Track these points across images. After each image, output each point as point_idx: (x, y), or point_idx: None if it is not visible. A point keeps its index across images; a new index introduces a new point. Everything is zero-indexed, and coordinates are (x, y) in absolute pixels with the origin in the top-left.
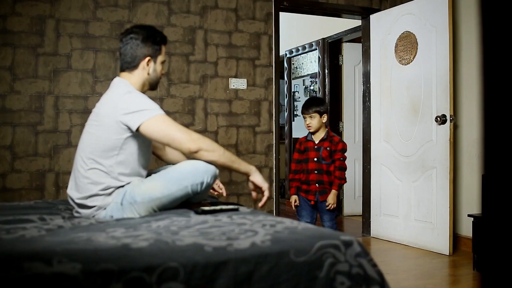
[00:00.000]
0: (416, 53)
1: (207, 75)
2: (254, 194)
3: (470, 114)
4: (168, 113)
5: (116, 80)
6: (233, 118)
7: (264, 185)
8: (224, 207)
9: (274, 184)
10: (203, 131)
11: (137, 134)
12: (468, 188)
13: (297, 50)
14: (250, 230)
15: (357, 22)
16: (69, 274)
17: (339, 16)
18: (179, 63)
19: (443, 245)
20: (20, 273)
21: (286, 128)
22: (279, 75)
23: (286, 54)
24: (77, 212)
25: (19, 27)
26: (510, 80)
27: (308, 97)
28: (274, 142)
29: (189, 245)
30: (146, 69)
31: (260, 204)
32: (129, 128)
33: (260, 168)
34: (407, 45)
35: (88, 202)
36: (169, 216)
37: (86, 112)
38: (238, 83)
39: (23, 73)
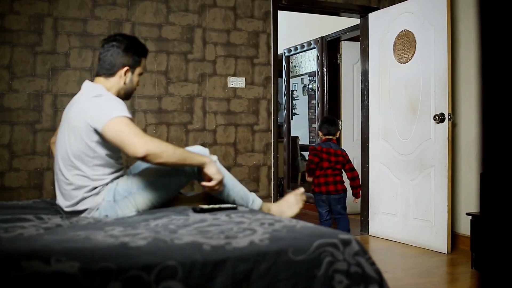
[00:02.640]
0: (414, 52)
1: (206, 74)
2: (206, 184)
3: (469, 113)
4: (166, 111)
5: (86, 83)
6: (232, 116)
7: (216, 177)
8: (222, 205)
9: (272, 182)
10: (201, 130)
11: None
12: (466, 186)
13: (296, 48)
14: (248, 228)
15: (356, 21)
16: (67, 272)
17: (337, 14)
18: (178, 62)
19: (441, 243)
20: (19, 272)
21: (284, 126)
22: (278, 74)
23: (284, 53)
24: None
25: (17, 26)
26: (509, 79)
27: (321, 113)
28: (272, 140)
29: (187, 243)
30: (123, 79)
31: (203, 184)
32: (95, 130)
33: (258, 167)
34: (405, 44)
35: (79, 207)
36: (168, 215)
37: None
38: (237, 82)
39: (21, 72)
